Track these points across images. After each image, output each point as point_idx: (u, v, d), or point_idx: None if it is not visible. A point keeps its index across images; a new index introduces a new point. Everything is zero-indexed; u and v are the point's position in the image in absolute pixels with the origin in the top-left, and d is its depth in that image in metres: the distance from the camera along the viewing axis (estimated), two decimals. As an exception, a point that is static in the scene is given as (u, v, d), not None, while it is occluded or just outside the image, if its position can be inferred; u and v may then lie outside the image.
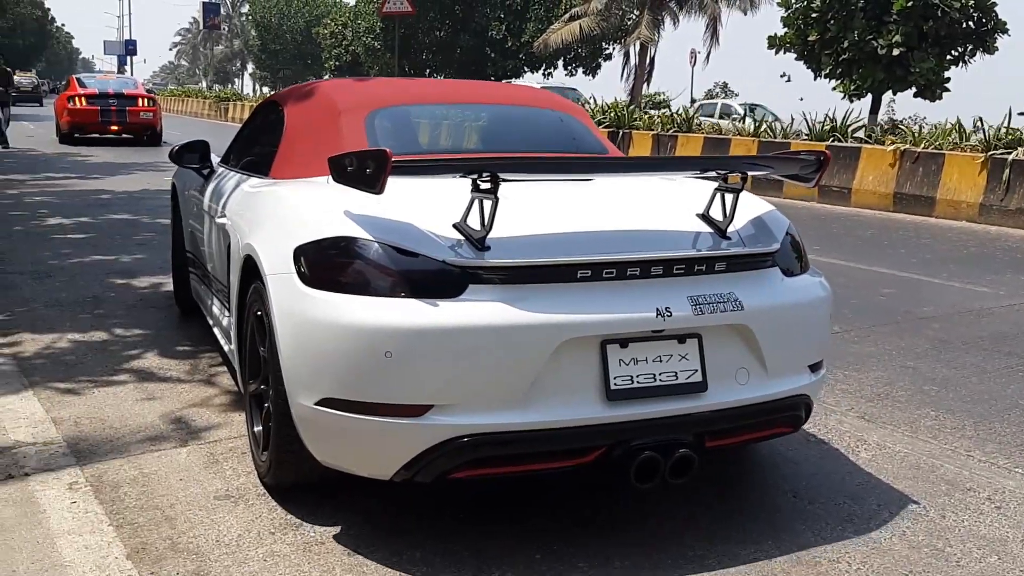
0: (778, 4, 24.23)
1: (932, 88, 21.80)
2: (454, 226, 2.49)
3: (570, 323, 2.43)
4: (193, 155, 4.26)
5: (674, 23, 32.56)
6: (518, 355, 2.41)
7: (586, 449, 2.52)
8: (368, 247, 2.50)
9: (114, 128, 19.53)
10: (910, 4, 20.08)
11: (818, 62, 23.59)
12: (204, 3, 48.37)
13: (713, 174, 2.79)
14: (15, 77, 58.76)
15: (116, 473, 3.04)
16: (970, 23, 20.70)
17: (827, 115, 12.72)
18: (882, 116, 20.81)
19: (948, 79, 21.76)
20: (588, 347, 2.47)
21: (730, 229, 2.72)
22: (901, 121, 18.30)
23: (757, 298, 2.68)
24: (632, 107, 16.59)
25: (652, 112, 15.97)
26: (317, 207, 2.81)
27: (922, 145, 10.97)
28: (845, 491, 3.06)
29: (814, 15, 22.57)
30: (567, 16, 32.03)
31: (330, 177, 2.59)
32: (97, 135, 19.73)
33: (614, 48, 36.34)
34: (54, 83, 63.28)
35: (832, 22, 22.24)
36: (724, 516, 2.86)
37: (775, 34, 24.40)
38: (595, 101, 17.69)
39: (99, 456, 3.17)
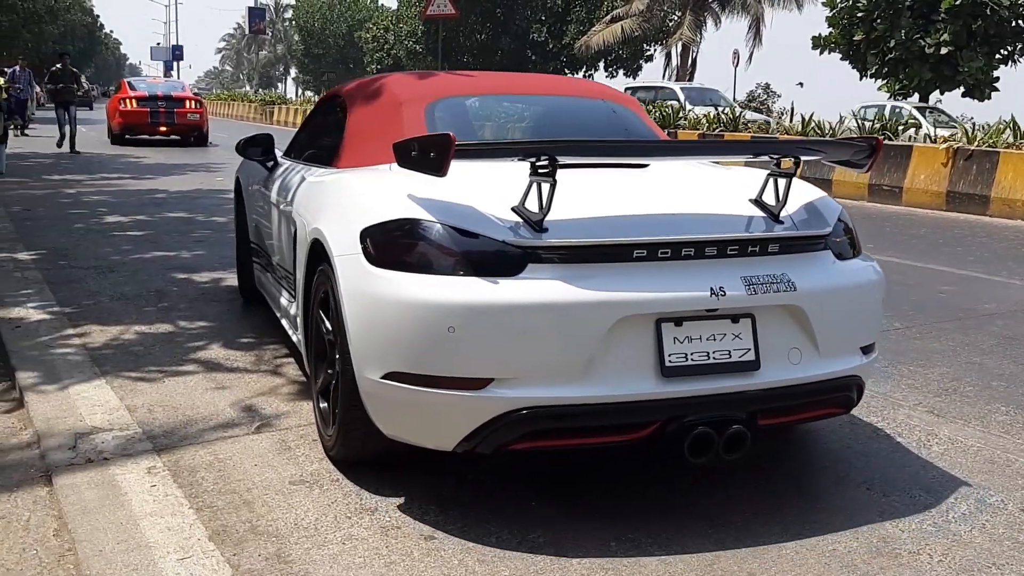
0: (823, 4, 23.97)
1: (980, 88, 21.44)
2: (513, 209, 2.56)
3: (625, 301, 2.50)
4: (257, 148, 4.39)
5: (716, 24, 32.37)
6: (575, 331, 2.48)
7: (641, 424, 2.58)
8: (431, 228, 2.59)
9: (163, 129, 20.06)
10: (958, 3, 19.77)
11: (864, 62, 23.31)
12: (250, 8, 49.05)
13: (766, 159, 2.84)
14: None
15: (192, 458, 3.10)
16: (1019, 21, 20.31)
17: (876, 114, 12.56)
18: (928, 116, 20.49)
19: (997, 79, 21.38)
20: (643, 325, 2.53)
21: (783, 213, 2.76)
22: (952, 118, 18.02)
23: (810, 280, 2.72)
24: (677, 107, 16.51)
25: (697, 110, 15.97)
26: (381, 191, 2.92)
27: (976, 143, 10.78)
28: (919, 484, 3.02)
29: (860, 14, 22.30)
30: (608, 18, 31.99)
31: (393, 164, 2.71)
32: (147, 136, 20.27)
33: (655, 49, 36.21)
34: (104, 88, 64.53)
35: (878, 21, 21.95)
36: (802, 508, 2.83)
37: (819, 34, 24.15)
38: (641, 100, 17.61)
39: (174, 442, 3.23)
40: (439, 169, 2.46)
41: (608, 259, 2.54)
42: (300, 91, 73.48)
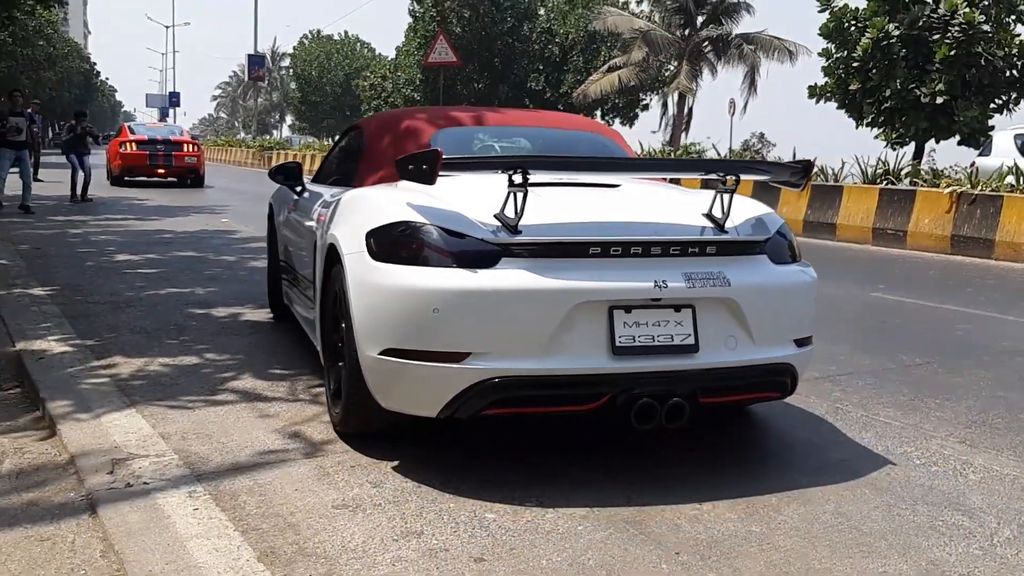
0: (818, 54, 24.35)
1: (976, 136, 21.65)
2: (495, 215, 3.03)
3: (582, 289, 2.98)
4: (287, 175, 4.89)
5: (712, 73, 32.86)
6: (539, 314, 2.95)
7: (595, 395, 3.03)
8: (423, 229, 3.08)
9: (160, 171, 20.73)
10: (953, 53, 20.08)
11: (860, 111, 23.58)
12: (249, 56, 49.53)
13: (716, 177, 3.26)
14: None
15: (232, 483, 3.08)
16: (1013, 71, 20.65)
17: (879, 159, 12.72)
18: (924, 164, 20.69)
19: (992, 127, 21.63)
20: (597, 310, 3.00)
21: (728, 224, 3.21)
22: (943, 171, 18.24)
23: (744, 278, 3.17)
24: (680, 152, 16.68)
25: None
26: (385, 201, 3.38)
27: (979, 188, 10.91)
28: (961, 509, 3.02)
29: (855, 64, 22.62)
30: (605, 67, 32.41)
31: (400, 183, 3.31)
32: (145, 177, 20.85)
33: (651, 98, 36.68)
34: (102, 133, 65.44)
35: (874, 71, 22.27)
36: (845, 529, 2.83)
37: (815, 84, 24.48)
38: (641, 147, 17.81)
39: (212, 468, 3.22)
40: (430, 179, 2.99)
41: (568, 255, 3.03)
42: (298, 138, 74.09)
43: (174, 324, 5.63)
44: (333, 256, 3.46)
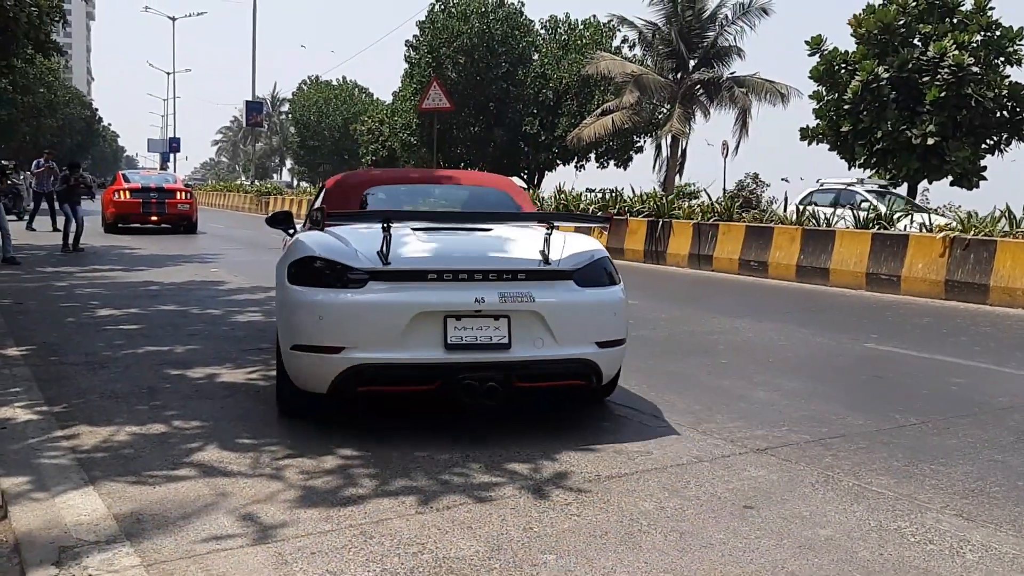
0: (809, 96, 24.47)
1: (968, 177, 21.69)
2: (376, 251, 4.25)
3: (422, 303, 4.19)
4: (280, 221, 5.89)
5: (705, 116, 33.01)
6: (392, 319, 4.16)
7: (433, 378, 4.22)
8: (316, 261, 4.38)
9: (154, 219, 21.09)
10: (943, 95, 20.17)
11: (852, 152, 23.65)
12: (247, 102, 49.88)
13: (543, 224, 4.65)
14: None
15: (182, 574, 2.91)
16: (1004, 112, 20.72)
17: (870, 204, 12.66)
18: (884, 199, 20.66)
19: (984, 168, 21.67)
20: (435, 317, 4.19)
21: (552, 257, 4.41)
22: (937, 209, 18.22)
23: (547, 297, 4.32)
24: (671, 197, 16.63)
25: (692, 202, 16.16)
26: (305, 241, 4.63)
27: (972, 232, 10.82)
28: (958, 597, 2.84)
29: (846, 107, 22.73)
30: (599, 111, 32.55)
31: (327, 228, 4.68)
32: (138, 224, 21.11)
33: (645, 140, 36.83)
34: (102, 178, 66.01)
35: (865, 113, 22.36)
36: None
37: (807, 126, 24.60)
38: (633, 191, 17.78)
39: (164, 556, 3.04)
40: (320, 227, 4.64)
41: (415, 279, 4.25)
42: (296, 182, 74.40)
43: (147, 387, 5.47)
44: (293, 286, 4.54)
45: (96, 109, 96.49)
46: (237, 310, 8.84)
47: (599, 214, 5.47)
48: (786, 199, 14.49)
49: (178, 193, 21.68)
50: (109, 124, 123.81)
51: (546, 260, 4.37)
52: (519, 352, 4.21)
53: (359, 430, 4.54)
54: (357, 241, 4.40)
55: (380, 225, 4.26)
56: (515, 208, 5.62)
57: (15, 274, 11.78)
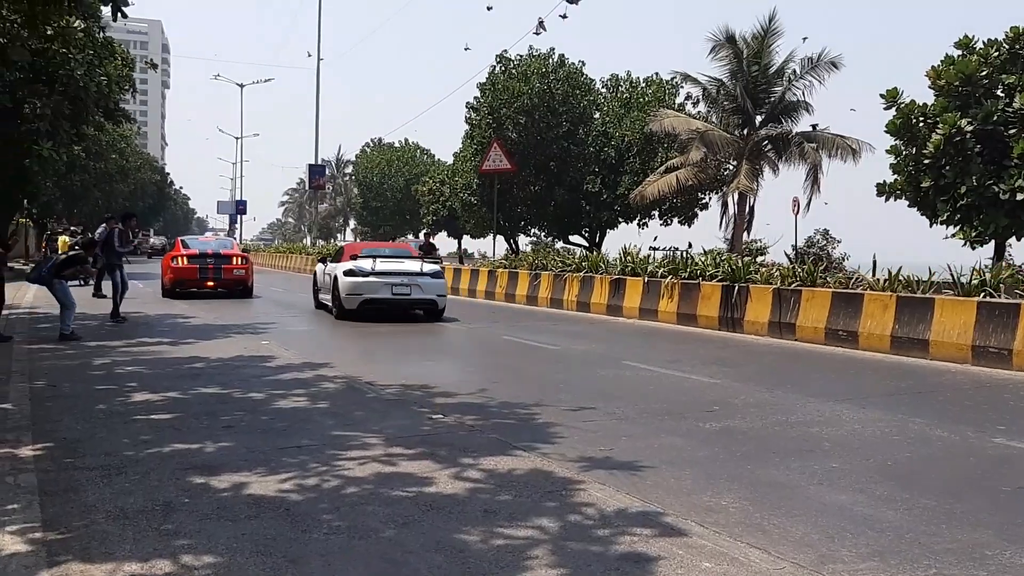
0: (886, 151, 23.39)
1: (1059, 233, 20.30)
2: (370, 268, 15.94)
3: (385, 282, 15.87)
4: (326, 258, 19.29)
5: (774, 171, 31.96)
6: (376, 287, 15.86)
7: (388, 302, 15.94)
8: (351, 268, 16.10)
9: (210, 284, 21.68)
10: (1032, 147, 18.94)
11: (933, 209, 22.43)
12: (310, 166, 50.45)
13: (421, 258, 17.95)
14: (151, 239, 62.41)
15: None
16: (1097, 166, 19.35)
17: (974, 268, 11.53)
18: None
19: (1076, 222, 20.21)
20: (388, 286, 15.84)
21: (424, 269, 16.30)
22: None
23: (423, 282, 16.07)
24: (748, 259, 15.63)
25: (761, 258, 15.24)
26: (347, 263, 16.39)
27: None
28: None
29: (926, 161, 21.60)
30: (663, 168, 31.78)
31: (349, 262, 16.56)
32: (195, 290, 21.69)
33: (710, 197, 35.87)
34: (172, 240, 68.26)
35: (947, 168, 21.21)
36: None
37: (884, 181, 23.46)
38: (705, 252, 16.86)
39: None
40: (340, 261, 17.26)
41: (383, 276, 15.86)
42: (357, 241, 74.90)
43: (162, 502, 4.73)
44: (336, 277, 16.31)
45: (168, 173, 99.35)
46: (281, 394, 8.15)
47: (438, 254, 23.64)
48: (874, 262, 13.33)
49: (234, 259, 22.37)
50: (180, 187, 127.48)
51: (421, 271, 16.00)
52: (414, 295, 15.72)
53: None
54: (364, 263, 15.84)
55: (371, 258, 15.96)
56: (410, 253, 18.10)
57: (57, 348, 11.34)
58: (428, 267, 16.19)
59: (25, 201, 36.79)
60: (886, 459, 5.92)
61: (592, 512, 4.63)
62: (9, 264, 26.23)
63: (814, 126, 30.96)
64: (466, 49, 56.25)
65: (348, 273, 15.80)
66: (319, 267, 18.66)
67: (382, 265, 15.81)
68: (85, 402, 7.66)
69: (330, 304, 16.58)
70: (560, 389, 8.67)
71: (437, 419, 7.08)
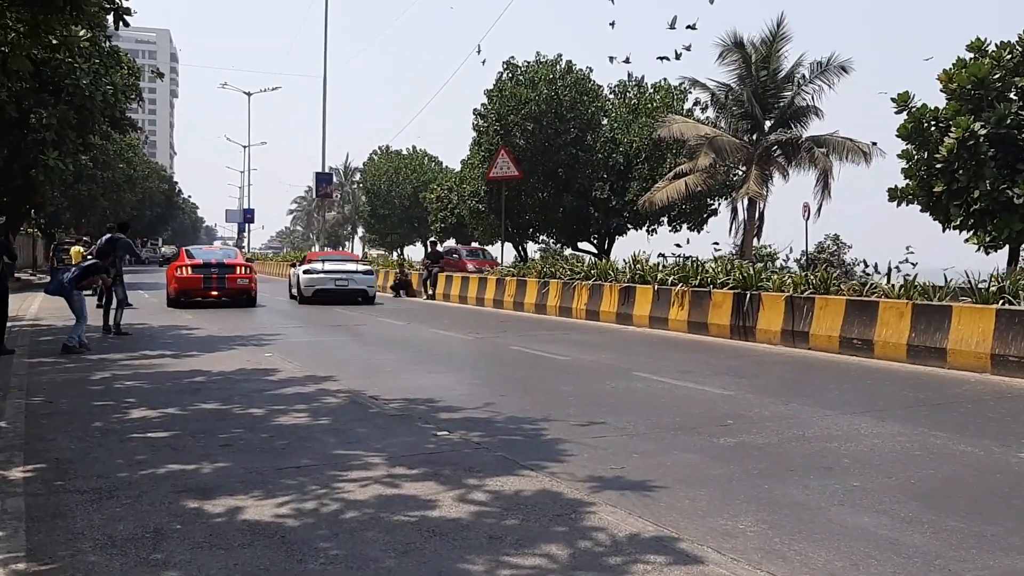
0: (898, 156, 23.10)
1: (1074, 238, 19.96)
2: (320, 270, 24.36)
3: (331, 276, 24.05)
4: (295, 265, 28.14)
5: (784, 177, 31.68)
6: (324, 280, 23.95)
7: (333, 292, 24.02)
8: (307, 269, 24.62)
9: (214, 293, 21.96)
10: (1047, 150, 18.66)
11: (946, 213, 22.12)
12: (316, 174, 50.36)
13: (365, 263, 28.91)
14: (161, 248, 62.00)
15: None
16: (1113, 167, 19.03)
17: (992, 274, 11.27)
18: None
19: (1092, 227, 19.87)
20: (332, 280, 23.88)
21: (359, 269, 25.10)
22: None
23: (359, 277, 24.43)
24: (760, 267, 15.38)
25: (772, 264, 15.01)
26: (306, 266, 25.01)
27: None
28: None
29: (939, 165, 21.31)
30: (672, 174, 31.52)
31: (306, 264, 25.87)
32: (200, 299, 21.89)
33: (719, 203, 35.61)
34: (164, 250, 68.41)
35: (960, 172, 20.91)
36: None
37: (895, 186, 23.18)
38: (715, 259, 16.61)
39: None
40: (300, 265, 26.53)
41: (329, 273, 24.16)
42: (365, 249, 74.75)
43: (153, 528, 4.53)
44: (299, 275, 24.70)
45: (176, 182, 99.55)
46: (282, 409, 7.95)
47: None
48: (890, 268, 13.07)
49: (238, 268, 22.49)
50: (189, 196, 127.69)
51: (356, 270, 24.61)
52: (351, 286, 23.86)
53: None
54: (317, 265, 24.61)
55: (321, 262, 24.91)
56: (352, 258, 28.70)
57: (58, 362, 11.17)
58: (361, 267, 25.42)
59: (32, 211, 36.78)
60: (909, 477, 5.67)
61: (603, 538, 4.40)
62: (16, 275, 26.10)
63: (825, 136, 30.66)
64: (478, 52, 55.61)
65: (306, 272, 24.19)
66: (291, 270, 27.70)
67: (329, 266, 24.47)
68: (81, 419, 7.47)
69: (296, 294, 24.85)
70: (569, 402, 8.45)
71: (442, 436, 6.87)
